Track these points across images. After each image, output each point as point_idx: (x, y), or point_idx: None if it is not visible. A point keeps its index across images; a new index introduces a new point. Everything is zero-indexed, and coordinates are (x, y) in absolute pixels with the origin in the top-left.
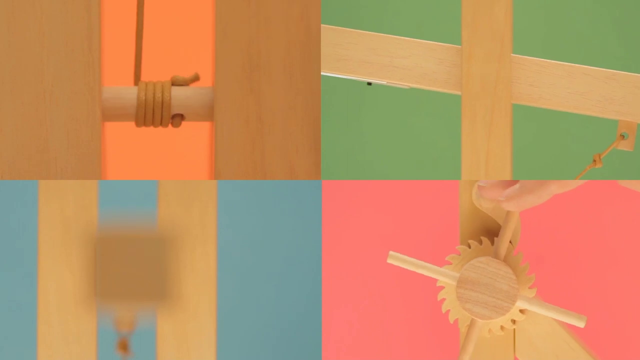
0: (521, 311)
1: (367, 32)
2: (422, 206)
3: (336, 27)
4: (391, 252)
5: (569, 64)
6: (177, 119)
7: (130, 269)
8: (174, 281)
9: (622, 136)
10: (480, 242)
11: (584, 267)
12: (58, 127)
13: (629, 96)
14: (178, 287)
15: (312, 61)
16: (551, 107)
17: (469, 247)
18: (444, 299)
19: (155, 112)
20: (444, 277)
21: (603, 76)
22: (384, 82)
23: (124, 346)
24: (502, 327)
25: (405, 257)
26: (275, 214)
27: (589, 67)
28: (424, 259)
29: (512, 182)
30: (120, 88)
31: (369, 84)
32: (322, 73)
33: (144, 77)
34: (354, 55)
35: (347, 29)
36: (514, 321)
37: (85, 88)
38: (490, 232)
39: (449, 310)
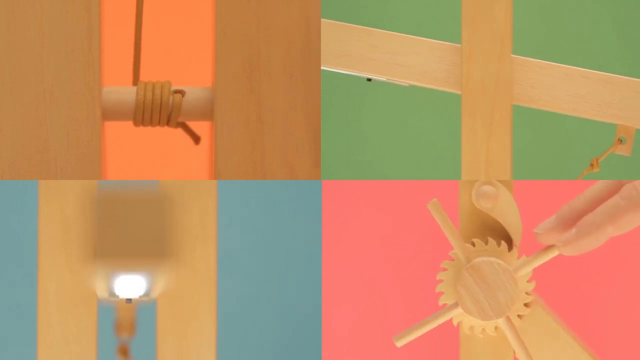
0: (496, 327)
1: (368, 28)
2: (422, 206)
3: (338, 22)
4: (434, 200)
5: (569, 66)
6: (178, 96)
7: (129, 228)
8: (173, 241)
9: (620, 140)
10: (510, 248)
11: (589, 268)
12: (58, 127)
13: (628, 101)
14: (177, 246)
15: (312, 61)
16: (550, 109)
17: (498, 245)
18: (445, 269)
19: (154, 112)
20: (462, 251)
21: (603, 80)
22: (383, 79)
23: (124, 351)
24: (471, 327)
25: (444, 213)
26: (275, 214)
27: (588, 70)
28: (423, 259)
29: (566, 225)
30: (119, 88)
31: (369, 80)
32: (322, 68)
33: (144, 77)
34: (355, 51)
35: (349, 24)
36: (483, 330)
37: (85, 88)
38: (490, 231)
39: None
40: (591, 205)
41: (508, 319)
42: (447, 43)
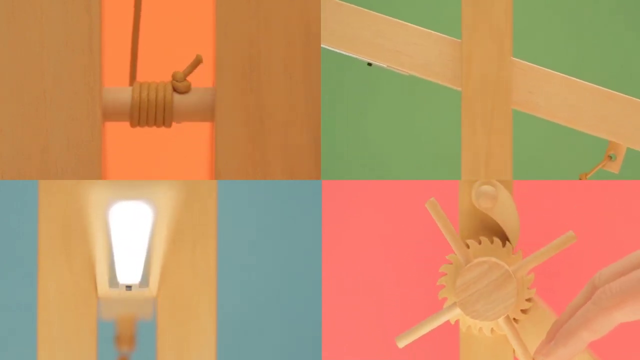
0: (492, 330)
1: (374, 12)
2: (422, 206)
3: (345, 3)
4: (432, 199)
5: (569, 77)
6: (169, 95)
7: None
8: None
9: (610, 157)
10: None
11: (589, 268)
12: (58, 127)
13: (622, 118)
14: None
15: (312, 61)
16: (546, 117)
17: (503, 245)
18: (444, 273)
19: (149, 113)
20: (461, 252)
21: (600, 94)
22: (384, 65)
23: None
24: (469, 327)
25: (442, 212)
26: (275, 214)
27: (588, 83)
28: (423, 259)
29: (552, 339)
30: (118, 88)
31: (369, 64)
32: (323, 46)
33: (145, 77)
34: (359, 34)
35: (356, 7)
36: (481, 329)
37: (85, 88)
38: (489, 231)
39: (445, 299)
40: (571, 316)
41: (507, 318)
42: (450, 37)
